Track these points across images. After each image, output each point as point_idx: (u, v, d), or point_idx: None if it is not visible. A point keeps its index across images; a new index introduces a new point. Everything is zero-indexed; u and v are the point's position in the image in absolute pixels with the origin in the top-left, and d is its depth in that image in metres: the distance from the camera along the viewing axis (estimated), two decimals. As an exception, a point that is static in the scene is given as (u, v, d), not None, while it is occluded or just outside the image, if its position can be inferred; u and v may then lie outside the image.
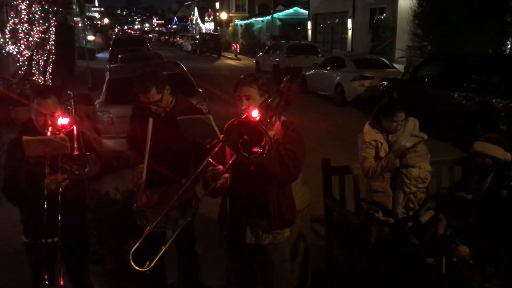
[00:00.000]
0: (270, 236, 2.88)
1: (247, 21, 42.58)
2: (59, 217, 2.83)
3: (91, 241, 3.62)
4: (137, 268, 2.29)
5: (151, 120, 3.24)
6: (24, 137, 2.73)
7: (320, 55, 20.53)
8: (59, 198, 2.83)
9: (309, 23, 31.67)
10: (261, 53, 24.21)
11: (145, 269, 2.33)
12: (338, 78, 13.81)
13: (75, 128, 2.96)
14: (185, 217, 3.05)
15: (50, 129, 2.87)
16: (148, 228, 2.44)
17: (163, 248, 2.46)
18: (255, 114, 2.47)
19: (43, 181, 2.78)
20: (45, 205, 2.78)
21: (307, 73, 15.94)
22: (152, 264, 2.35)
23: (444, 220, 3.14)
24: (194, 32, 62.03)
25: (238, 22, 44.81)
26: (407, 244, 2.99)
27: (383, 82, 11.85)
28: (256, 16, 42.29)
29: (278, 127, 2.70)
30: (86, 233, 3.36)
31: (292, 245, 3.42)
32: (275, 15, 37.14)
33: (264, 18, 39.62)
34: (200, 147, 3.12)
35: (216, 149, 2.56)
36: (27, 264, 3.15)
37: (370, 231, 3.41)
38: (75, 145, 2.85)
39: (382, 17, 22.29)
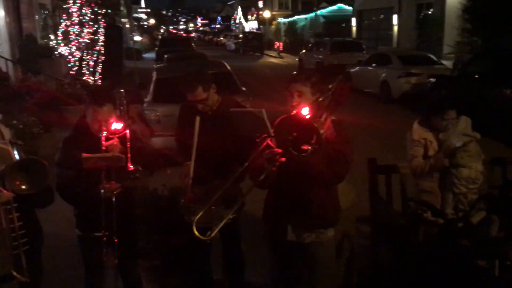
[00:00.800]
0: (313, 235, 2.87)
1: (290, 19, 42.46)
2: (111, 212, 2.94)
3: (140, 236, 3.72)
4: (199, 235, 2.43)
5: (197, 118, 3.29)
6: (83, 155, 2.83)
7: (364, 51, 20.20)
8: (113, 198, 2.94)
9: (354, 20, 31.21)
10: (304, 51, 24.08)
11: (207, 238, 2.44)
12: (383, 75, 13.56)
13: (127, 133, 3.04)
14: (230, 210, 3.10)
15: (104, 134, 2.96)
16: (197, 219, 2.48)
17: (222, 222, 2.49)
18: (305, 111, 2.46)
19: (98, 187, 2.89)
20: (102, 204, 2.89)
21: (352, 70, 15.73)
22: (213, 234, 2.45)
23: (497, 221, 3.03)
24: (237, 31, 62.43)
25: (281, 20, 44.75)
26: (457, 246, 2.91)
27: (431, 79, 11.53)
28: (299, 14, 42.09)
29: (328, 126, 2.68)
30: (135, 227, 3.47)
31: (337, 244, 3.40)
32: (318, 12, 36.83)
33: (308, 15, 39.37)
34: (247, 144, 3.15)
35: (264, 144, 2.57)
36: (80, 257, 3.27)
37: (418, 231, 3.33)
38: (129, 152, 2.94)
39: (430, 12, 21.66)
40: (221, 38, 54.64)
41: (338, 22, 35.96)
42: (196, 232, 2.40)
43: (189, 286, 3.90)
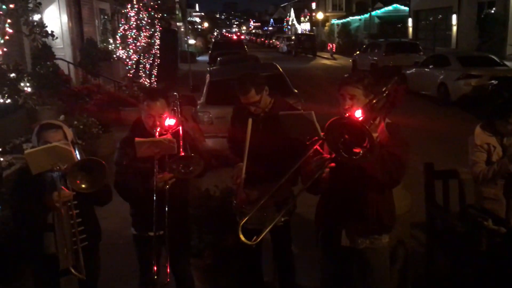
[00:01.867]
0: (367, 241, 2.81)
1: (344, 20, 41.93)
2: (166, 212, 3.00)
3: (192, 235, 3.78)
4: (244, 240, 2.38)
5: (250, 120, 3.31)
6: (136, 139, 2.92)
7: (421, 53, 19.62)
8: (167, 194, 3.00)
9: (410, 20, 30.37)
10: (358, 52, 23.69)
11: (252, 243, 2.40)
12: (441, 77, 13.10)
13: (180, 128, 3.12)
14: (281, 212, 3.09)
15: (158, 130, 3.05)
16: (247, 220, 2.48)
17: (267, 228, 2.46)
18: (358, 114, 2.41)
19: (152, 178, 2.96)
20: (155, 200, 2.96)
21: (408, 71, 15.31)
22: (259, 238, 2.41)
23: None
24: (289, 33, 62.37)
25: (334, 21, 44.28)
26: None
27: (493, 81, 11.01)
28: (353, 15, 41.48)
29: (382, 129, 2.61)
30: (188, 227, 3.52)
31: (391, 251, 3.30)
32: (373, 13, 36.13)
33: (362, 16, 38.72)
34: (298, 146, 3.13)
35: (315, 147, 2.54)
36: (135, 255, 3.36)
37: (480, 240, 3.18)
38: (181, 146, 3.01)
39: (492, 11, 20.72)
40: (273, 40, 54.80)
41: (393, 23, 35.13)
42: (242, 237, 2.38)
43: (239, 287, 3.92)
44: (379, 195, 2.73)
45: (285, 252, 3.69)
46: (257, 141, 3.30)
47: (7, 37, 4.86)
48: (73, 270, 2.72)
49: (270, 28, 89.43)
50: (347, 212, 2.77)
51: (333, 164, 2.50)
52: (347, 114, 2.52)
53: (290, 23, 70.06)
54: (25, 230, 3.00)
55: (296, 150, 3.14)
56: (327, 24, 45.47)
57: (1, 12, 4.78)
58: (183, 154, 3.00)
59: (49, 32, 5.10)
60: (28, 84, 5.08)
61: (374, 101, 2.57)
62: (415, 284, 3.69)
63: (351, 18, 41.05)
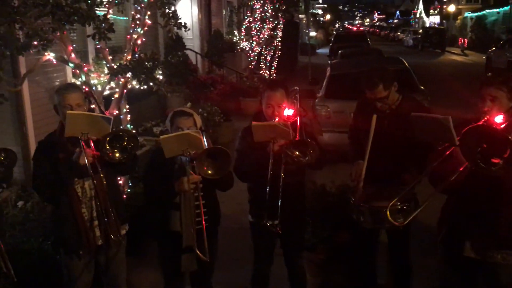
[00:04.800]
0: (499, 256, 2.58)
1: (479, 13, 38.72)
2: (279, 202, 3.03)
3: (306, 229, 3.78)
4: (391, 220, 2.58)
5: (374, 116, 3.21)
6: (253, 122, 3.02)
7: None
8: (281, 183, 3.02)
9: (558, 13, 27.11)
10: (494, 48, 21.73)
11: (399, 224, 2.53)
12: None
13: (298, 119, 3.13)
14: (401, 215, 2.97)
15: (276, 119, 3.10)
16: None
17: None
18: (499, 119, 2.21)
19: (267, 168, 2.99)
20: (268, 189, 3.02)
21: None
22: (407, 221, 2.55)
23: None
24: (416, 26, 59.40)
25: (468, 14, 41.11)
26: None
27: None
28: (490, 8, 38.10)
29: None
30: (303, 220, 3.53)
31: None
32: (514, 5, 32.84)
33: (501, 9, 35.38)
34: (424, 148, 2.96)
35: (447, 153, 2.39)
36: (251, 241, 3.46)
37: None
38: (297, 133, 3.02)
39: None
40: (399, 33, 52.61)
41: (537, 16, 31.62)
42: (390, 218, 2.53)
43: (351, 285, 3.84)
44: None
45: (402, 256, 3.53)
46: (381, 138, 3.19)
47: (146, 28, 5.25)
48: (197, 251, 2.88)
49: (396, 21, 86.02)
50: (477, 223, 2.58)
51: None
52: (486, 118, 2.31)
53: (417, 15, 66.65)
54: (154, 207, 3.24)
55: (421, 154, 2.98)
56: (459, 17, 42.38)
57: (142, 5, 5.17)
58: (298, 139, 2.99)
59: (182, 23, 5.39)
60: (160, 72, 5.44)
61: None
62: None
63: (487, 11, 37.73)
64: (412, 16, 72.93)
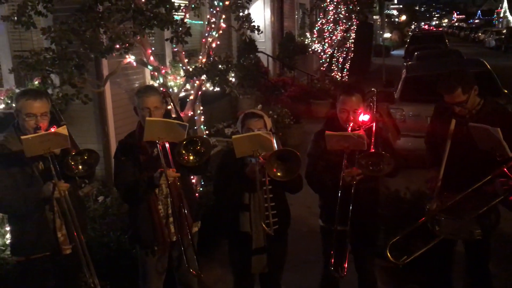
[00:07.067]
0: None
1: None
2: (351, 208, 2.98)
3: (379, 235, 3.68)
4: (392, 259, 2.59)
5: (453, 121, 3.06)
6: (327, 132, 2.97)
7: None
8: (352, 190, 2.97)
9: None
10: None
11: (399, 263, 2.31)
12: None
13: (374, 125, 3.05)
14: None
15: (351, 125, 3.04)
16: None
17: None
18: None
19: (340, 172, 2.96)
20: (339, 194, 2.97)
21: None
22: (409, 259, 2.29)
23: None
24: (500, 26, 56.00)
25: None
26: None
27: None
28: None
29: None
30: (375, 226, 3.44)
31: None
32: None
33: None
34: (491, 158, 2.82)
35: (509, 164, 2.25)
36: (321, 246, 3.42)
37: None
38: (372, 143, 2.95)
39: None
40: (480, 33, 49.87)
41: None
42: (389, 255, 2.62)
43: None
44: None
45: (481, 269, 3.34)
46: (459, 144, 3.04)
47: (220, 32, 5.37)
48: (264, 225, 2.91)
49: (476, 21, 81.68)
50: None
51: None
52: None
53: (501, 15, 62.84)
54: (224, 207, 3.30)
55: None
56: (549, 15, 39.43)
57: (218, 9, 5.29)
58: (373, 151, 2.93)
59: (256, 26, 5.45)
60: (232, 75, 5.53)
61: None
62: None
63: None
64: (495, 15, 68.94)
